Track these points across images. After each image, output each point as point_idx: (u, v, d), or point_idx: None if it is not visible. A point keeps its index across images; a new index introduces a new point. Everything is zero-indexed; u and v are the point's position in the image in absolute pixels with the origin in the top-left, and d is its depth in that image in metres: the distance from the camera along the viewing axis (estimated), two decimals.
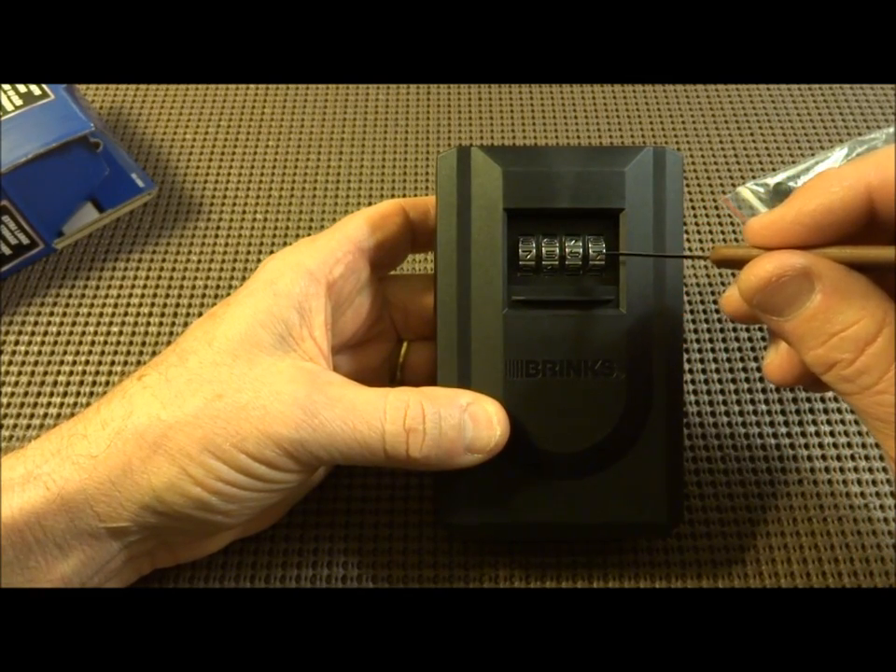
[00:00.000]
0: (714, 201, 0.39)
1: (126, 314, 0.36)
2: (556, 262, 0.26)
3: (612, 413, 0.25)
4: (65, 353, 0.34)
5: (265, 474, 0.23)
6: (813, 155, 0.41)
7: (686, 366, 0.33)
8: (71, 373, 0.34)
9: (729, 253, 0.21)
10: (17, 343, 0.35)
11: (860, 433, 0.32)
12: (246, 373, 0.23)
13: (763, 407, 0.32)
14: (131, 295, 0.36)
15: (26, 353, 0.34)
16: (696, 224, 0.39)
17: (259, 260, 0.37)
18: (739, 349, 0.34)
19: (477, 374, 0.25)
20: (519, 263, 0.26)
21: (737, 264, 0.21)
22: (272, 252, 0.38)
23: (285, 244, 0.38)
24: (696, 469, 0.31)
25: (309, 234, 0.36)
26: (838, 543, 0.29)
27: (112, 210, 0.39)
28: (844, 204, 0.19)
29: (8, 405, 0.33)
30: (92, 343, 0.35)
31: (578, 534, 0.28)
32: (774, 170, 0.40)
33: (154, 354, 0.34)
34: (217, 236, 0.38)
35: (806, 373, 0.22)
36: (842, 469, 0.31)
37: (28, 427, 0.32)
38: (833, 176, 0.19)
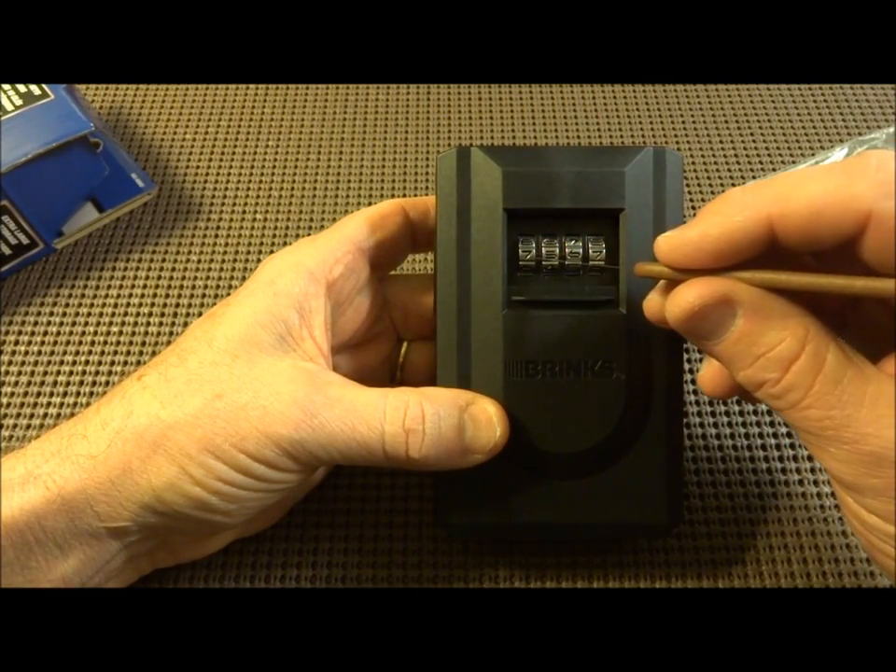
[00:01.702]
0: None
1: (126, 314, 0.36)
2: (556, 262, 0.26)
3: (612, 414, 0.25)
4: (65, 353, 0.34)
5: (265, 474, 0.23)
6: (813, 155, 0.41)
7: (686, 366, 0.33)
8: (71, 373, 0.34)
9: (652, 269, 0.21)
10: (17, 342, 0.35)
11: None
12: (246, 373, 0.23)
13: (763, 407, 0.32)
14: (131, 295, 0.36)
15: (26, 353, 0.34)
16: None
17: (258, 260, 0.37)
18: None
19: (477, 374, 0.25)
20: (519, 263, 0.26)
21: (659, 279, 0.22)
22: (272, 252, 0.38)
23: (285, 244, 0.38)
24: (696, 469, 0.31)
25: (309, 234, 0.36)
26: (838, 543, 0.29)
27: (112, 210, 0.39)
28: (745, 233, 0.19)
29: (8, 405, 0.33)
30: (92, 342, 0.35)
31: (578, 534, 0.28)
32: (774, 170, 0.40)
33: (154, 354, 0.34)
34: (216, 236, 0.38)
35: (737, 387, 0.22)
36: None
37: (28, 427, 0.32)
38: (735, 203, 0.19)
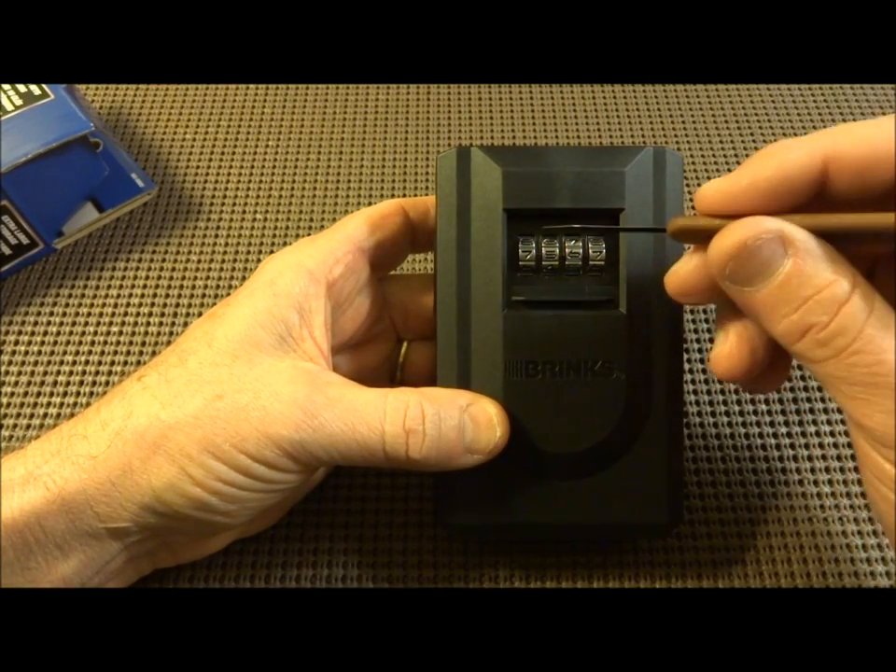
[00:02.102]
0: None
1: (126, 314, 0.36)
2: (556, 262, 0.26)
3: (612, 414, 0.25)
4: (65, 353, 0.34)
5: (265, 475, 0.23)
6: None
7: (686, 366, 0.33)
8: (71, 373, 0.34)
9: (687, 223, 0.21)
10: (17, 342, 0.35)
11: None
12: (246, 374, 0.23)
13: (763, 407, 0.32)
14: (131, 295, 0.36)
15: (26, 353, 0.34)
16: None
17: (258, 260, 0.37)
18: None
19: (477, 375, 0.25)
20: (519, 263, 0.26)
21: (694, 236, 0.21)
22: (272, 252, 0.38)
23: (285, 244, 0.38)
24: (696, 469, 0.31)
25: (309, 234, 0.36)
26: (838, 543, 0.29)
27: (112, 210, 0.39)
28: (800, 173, 0.19)
29: (8, 405, 0.33)
30: (92, 342, 0.35)
31: (578, 534, 0.28)
32: None
33: (154, 354, 0.34)
34: (217, 236, 0.38)
35: (755, 364, 0.22)
36: (842, 469, 0.31)
37: (28, 427, 0.32)
38: (790, 144, 0.19)
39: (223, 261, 0.37)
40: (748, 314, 0.20)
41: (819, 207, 0.19)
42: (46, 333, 0.35)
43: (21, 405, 0.33)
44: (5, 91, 0.35)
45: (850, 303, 0.18)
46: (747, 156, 0.41)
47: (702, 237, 0.20)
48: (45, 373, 0.34)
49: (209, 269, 0.37)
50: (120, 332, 0.35)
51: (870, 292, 0.18)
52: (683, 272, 0.22)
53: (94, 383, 0.33)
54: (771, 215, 0.19)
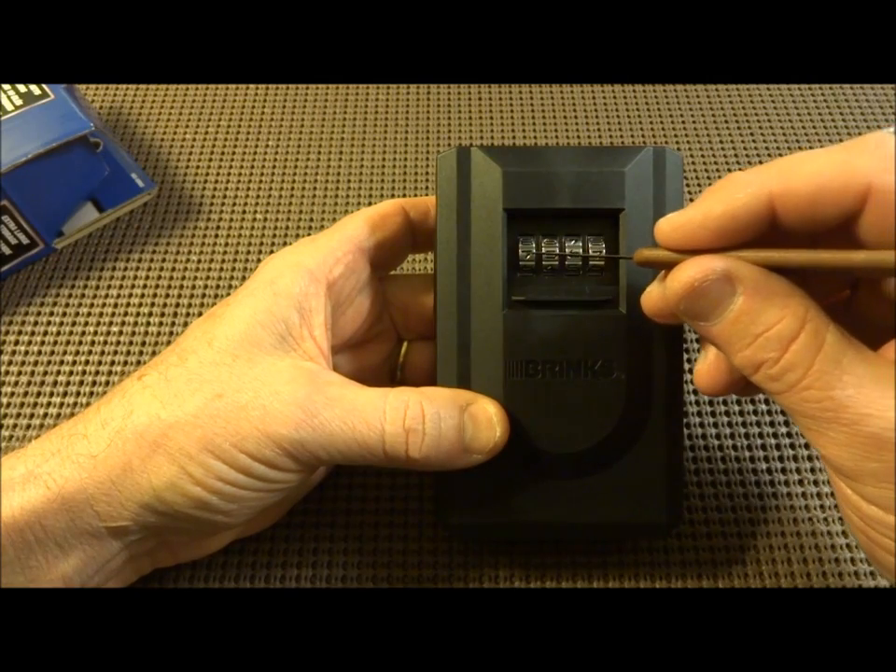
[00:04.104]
0: None
1: (126, 314, 0.36)
2: (556, 262, 0.26)
3: (612, 413, 0.25)
4: (65, 353, 0.34)
5: (265, 474, 0.23)
6: None
7: (686, 366, 0.33)
8: (71, 373, 0.34)
9: (651, 255, 0.21)
10: (17, 342, 0.35)
11: None
12: (246, 373, 0.23)
13: (763, 407, 0.32)
14: (131, 295, 0.36)
15: (26, 353, 0.34)
16: None
17: (258, 260, 0.37)
18: None
19: (477, 374, 0.25)
20: (519, 263, 0.26)
21: (658, 266, 0.21)
22: (272, 252, 0.38)
23: (285, 244, 0.38)
24: (696, 469, 0.31)
25: (309, 234, 0.36)
26: (838, 543, 0.29)
27: (112, 210, 0.39)
28: (747, 211, 0.19)
29: (8, 405, 0.33)
30: (92, 342, 0.35)
31: (578, 534, 0.28)
32: None
33: (154, 354, 0.34)
34: (217, 236, 0.38)
35: (733, 381, 0.22)
36: None
37: (28, 427, 0.32)
38: (738, 182, 0.20)
39: (223, 261, 0.37)
40: (710, 343, 0.21)
41: (775, 238, 0.20)
42: (46, 333, 0.35)
43: (21, 405, 0.33)
44: (5, 91, 0.35)
45: (798, 340, 0.18)
46: (747, 156, 0.41)
47: (665, 267, 0.21)
48: (45, 373, 0.34)
49: (209, 269, 0.37)
50: (120, 332, 0.35)
51: (822, 326, 0.19)
52: (654, 295, 0.22)
53: (94, 383, 0.33)
54: (726, 249, 0.20)
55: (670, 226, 0.20)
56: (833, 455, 0.19)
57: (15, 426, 0.32)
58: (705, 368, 0.23)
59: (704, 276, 0.19)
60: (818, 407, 0.18)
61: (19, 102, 0.35)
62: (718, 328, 0.20)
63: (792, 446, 0.31)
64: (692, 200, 0.40)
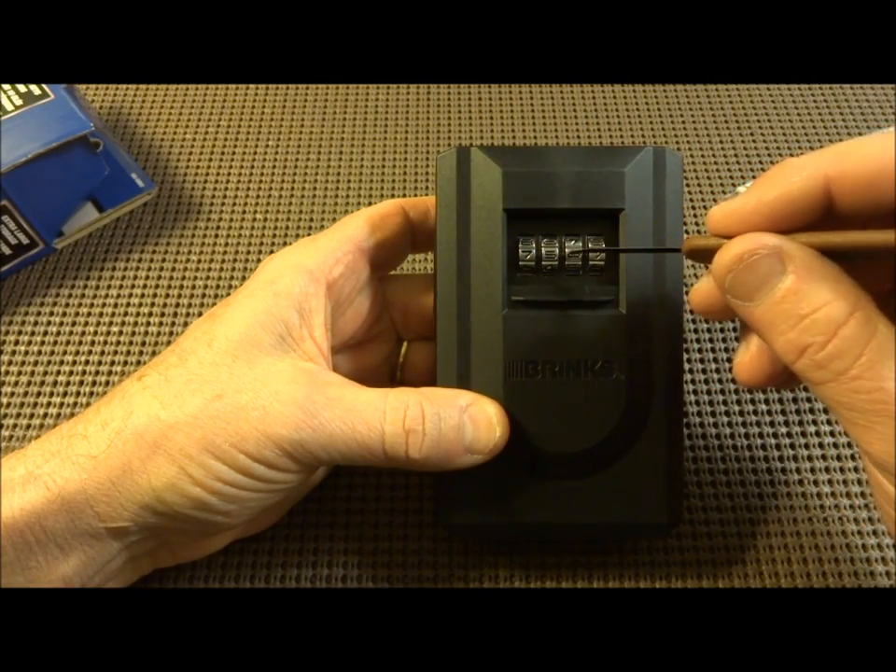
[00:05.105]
0: (714, 201, 0.39)
1: (126, 314, 0.36)
2: (556, 262, 0.26)
3: (612, 413, 0.25)
4: (65, 353, 0.34)
5: (265, 474, 0.23)
6: None
7: (686, 366, 0.33)
8: (71, 373, 0.34)
9: (700, 242, 0.21)
10: (17, 342, 0.35)
11: None
12: (246, 374, 0.23)
13: (763, 407, 0.32)
14: (131, 295, 0.36)
15: (26, 353, 0.34)
16: (696, 224, 0.39)
17: (258, 260, 0.37)
18: None
19: (477, 375, 0.25)
20: (519, 263, 0.26)
21: (708, 255, 0.21)
22: (272, 252, 0.38)
23: (285, 244, 0.38)
24: (696, 469, 0.31)
25: (309, 234, 0.36)
26: (838, 543, 0.29)
27: (112, 210, 0.39)
28: (803, 194, 0.19)
29: (8, 405, 0.33)
30: (92, 342, 0.35)
31: (578, 534, 0.28)
32: None
33: (154, 354, 0.34)
34: (216, 236, 0.38)
35: (776, 372, 0.22)
36: (842, 469, 0.31)
37: (28, 426, 0.32)
38: (793, 166, 0.19)
39: (223, 261, 0.37)
40: (752, 329, 0.20)
41: (829, 225, 0.19)
42: (46, 333, 0.35)
43: (21, 405, 0.33)
44: (5, 91, 0.35)
45: (848, 326, 0.18)
46: (747, 156, 0.41)
47: (713, 256, 0.21)
48: (45, 373, 0.34)
49: (209, 269, 0.37)
50: (120, 332, 0.35)
51: (874, 316, 0.18)
52: (703, 289, 0.22)
53: (94, 383, 0.33)
54: (778, 234, 0.19)
55: (721, 212, 0.20)
56: (879, 452, 0.18)
57: (15, 426, 0.32)
58: (746, 359, 0.22)
59: (754, 249, 0.19)
60: (867, 399, 0.17)
61: (19, 102, 0.35)
62: (762, 308, 0.19)
63: (792, 446, 0.31)
64: (692, 200, 0.40)
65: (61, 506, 0.22)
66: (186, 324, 0.35)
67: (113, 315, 0.36)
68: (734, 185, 0.40)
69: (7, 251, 0.36)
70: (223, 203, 0.40)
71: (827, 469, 0.31)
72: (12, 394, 0.33)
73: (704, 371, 0.33)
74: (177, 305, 0.36)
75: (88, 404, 0.33)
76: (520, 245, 0.26)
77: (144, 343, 0.35)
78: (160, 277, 0.37)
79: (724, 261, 0.19)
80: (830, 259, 0.19)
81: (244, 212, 0.39)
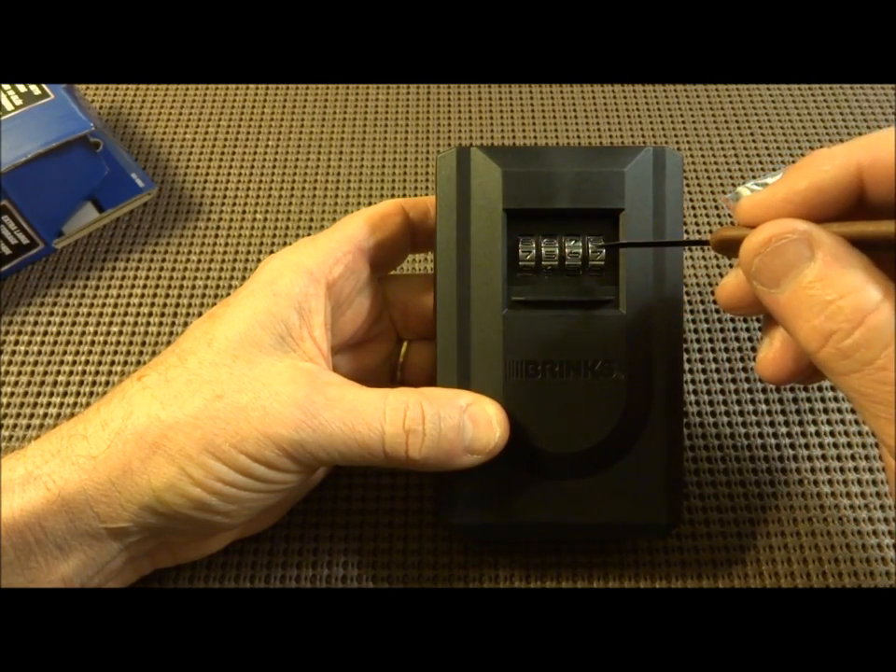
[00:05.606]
0: (714, 201, 0.39)
1: (126, 314, 0.36)
2: (556, 263, 0.26)
3: (612, 414, 0.25)
4: (65, 353, 0.34)
5: (265, 475, 0.23)
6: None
7: (686, 366, 0.33)
8: (71, 373, 0.34)
9: (730, 233, 0.21)
10: (17, 342, 0.35)
11: (860, 433, 0.32)
12: (246, 374, 0.23)
13: (763, 407, 0.32)
14: (131, 295, 0.36)
15: (26, 353, 0.34)
16: (696, 224, 0.39)
17: (258, 260, 0.37)
18: (739, 349, 0.34)
19: (477, 375, 0.25)
20: (519, 264, 0.26)
21: (737, 247, 0.20)
22: (272, 252, 0.38)
23: (285, 244, 0.38)
24: (696, 469, 0.31)
25: (309, 234, 0.36)
26: (838, 543, 0.29)
27: (112, 210, 0.39)
28: (834, 183, 0.19)
29: (8, 405, 0.33)
30: (92, 342, 0.35)
31: (578, 534, 0.28)
32: (774, 170, 0.40)
33: (154, 354, 0.34)
34: (217, 236, 0.38)
35: (799, 368, 0.22)
36: (842, 469, 0.31)
37: (28, 426, 0.32)
38: (824, 155, 0.19)
39: (223, 261, 0.37)
40: (777, 319, 0.20)
41: (860, 216, 0.19)
42: (46, 333, 0.35)
43: (21, 405, 0.33)
44: (5, 91, 0.35)
45: (877, 314, 0.17)
46: (747, 156, 0.41)
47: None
48: (45, 373, 0.34)
49: (209, 269, 0.37)
50: (120, 332, 0.35)
51: None
52: (731, 284, 0.22)
53: (94, 383, 0.33)
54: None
55: (751, 202, 0.20)
56: None
57: (15, 426, 0.32)
58: (770, 355, 0.22)
59: (783, 233, 0.18)
60: (891, 391, 0.17)
61: (19, 102, 0.35)
62: (787, 294, 0.18)
63: (792, 446, 0.31)
64: (692, 200, 0.40)
65: (60, 506, 0.22)
66: (186, 324, 0.35)
67: (113, 315, 0.36)
68: (734, 185, 0.40)
69: (6, 251, 0.36)
70: (223, 203, 0.40)
71: (827, 469, 0.31)
72: (12, 394, 0.33)
73: (704, 371, 0.33)
74: (177, 305, 0.36)
75: (88, 404, 0.33)
76: (520, 245, 0.26)
77: (144, 343, 0.35)
78: (160, 277, 0.37)
79: (752, 245, 0.19)
80: (859, 250, 0.18)
81: (244, 212, 0.39)
